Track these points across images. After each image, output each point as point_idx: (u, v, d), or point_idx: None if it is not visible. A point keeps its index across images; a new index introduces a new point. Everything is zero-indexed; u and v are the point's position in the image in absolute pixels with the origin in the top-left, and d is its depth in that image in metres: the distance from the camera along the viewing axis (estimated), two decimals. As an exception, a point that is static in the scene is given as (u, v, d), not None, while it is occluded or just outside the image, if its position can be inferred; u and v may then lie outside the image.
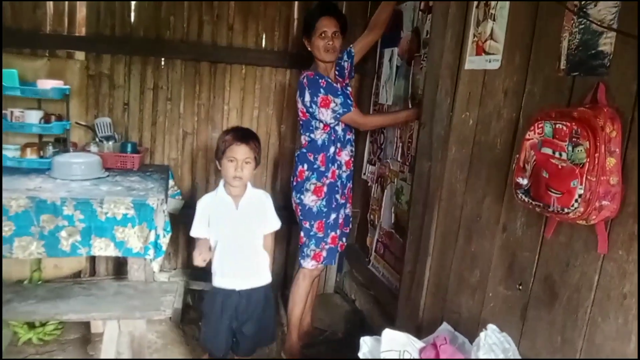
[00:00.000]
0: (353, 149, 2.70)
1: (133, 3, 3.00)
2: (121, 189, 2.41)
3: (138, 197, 2.31)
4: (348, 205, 2.77)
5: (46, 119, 2.71)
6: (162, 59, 3.12)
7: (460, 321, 1.83)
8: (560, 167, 1.21)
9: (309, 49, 2.58)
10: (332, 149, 2.57)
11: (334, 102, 2.45)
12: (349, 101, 2.52)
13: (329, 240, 2.62)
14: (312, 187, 2.56)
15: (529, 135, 1.32)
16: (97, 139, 2.88)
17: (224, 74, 3.23)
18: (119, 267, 3.18)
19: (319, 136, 2.54)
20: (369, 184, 3.28)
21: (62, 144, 2.79)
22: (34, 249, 2.23)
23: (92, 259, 3.15)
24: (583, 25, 1.34)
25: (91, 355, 2.65)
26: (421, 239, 2.13)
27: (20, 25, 2.89)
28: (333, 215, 2.61)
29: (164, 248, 2.37)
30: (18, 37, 2.89)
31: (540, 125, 1.29)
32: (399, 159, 2.81)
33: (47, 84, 2.67)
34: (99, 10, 2.96)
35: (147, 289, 2.38)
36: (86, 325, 2.80)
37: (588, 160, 1.14)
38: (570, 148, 1.19)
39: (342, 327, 3.14)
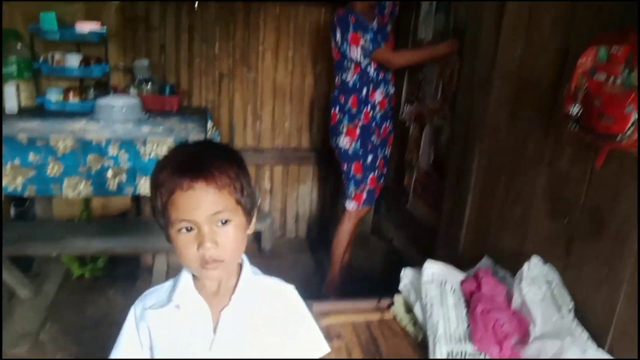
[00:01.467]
0: (389, 89, 2.65)
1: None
2: (162, 130, 2.46)
3: (179, 137, 2.35)
4: (388, 145, 2.75)
5: (85, 62, 2.75)
6: (196, 1, 3.08)
7: (502, 256, 1.83)
8: (614, 92, 1.16)
9: None
10: (364, 91, 2.54)
11: (364, 38, 2.42)
12: (379, 37, 2.46)
13: (368, 181, 2.63)
14: (345, 129, 2.57)
15: (581, 61, 1.26)
16: (136, 82, 2.91)
17: (258, 13, 3.18)
18: (163, 207, 3.27)
19: (350, 77, 2.52)
20: (406, 124, 3.23)
21: (103, 87, 2.83)
22: (82, 188, 2.32)
23: (137, 200, 3.25)
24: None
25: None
26: (462, 176, 2.11)
27: (56, -32, 2.88)
28: (370, 157, 2.62)
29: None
30: (55, -21, 2.89)
31: (593, 50, 1.23)
32: (438, 97, 2.75)
33: (85, 27, 2.68)
34: (133, -51, 2.93)
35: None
36: (135, 260, 2.93)
37: (645, 84, 1.09)
38: (625, 72, 1.14)
39: (379, 265, 3.19)
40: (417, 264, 1.72)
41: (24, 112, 2.63)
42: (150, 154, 2.30)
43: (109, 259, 2.88)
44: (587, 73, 1.25)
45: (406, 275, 1.63)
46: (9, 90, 2.62)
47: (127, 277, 2.90)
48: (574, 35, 1.50)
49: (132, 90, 2.86)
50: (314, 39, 3.31)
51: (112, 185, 2.32)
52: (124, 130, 2.40)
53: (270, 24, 3.22)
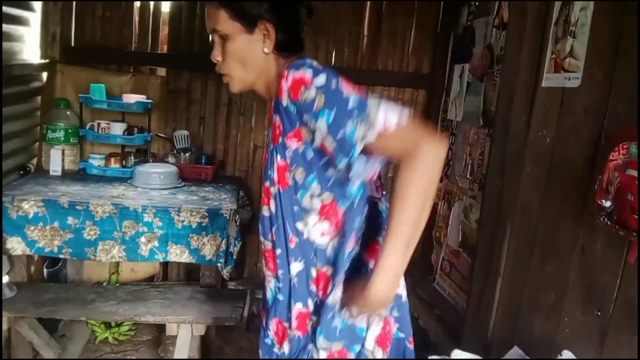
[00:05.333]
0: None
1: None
2: (197, 199, 2.52)
3: (212, 206, 2.41)
4: None
5: (129, 130, 2.88)
6: (237, 75, 3.24)
7: (532, 345, 1.77)
8: (647, 189, 1.17)
9: None
10: None
11: None
12: None
13: None
14: None
15: (612, 156, 1.28)
16: (174, 151, 3.03)
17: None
18: (190, 272, 3.31)
19: None
20: (434, 200, 3.24)
21: (143, 154, 2.95)
22: (116, 252, 2.37)
23: (165, 264, 3.29)
24: (673, 43, 1.29)
25: (162, 357, 2.77)
26: (492, 258, 2.09)
27: (108, 44, 3.10)
28: None
29: (235, 257, 2.45)
30: (106, 54, 3.10)
31: (625, 147, 1.25)
32: (468, 176, 2.78)
33: (131, 98, 2.84)
34: (180, 29, 3.13)
35: (218, 295, 2.47)
36: (159, 327, 2.93)
37: (679, 182, 1.10)
38: (658, 170, 1.15)
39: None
40: (445, 347, 1.68)
41: (67, 176, 2.75)
42: (183, 222, 2.36)
43: (134, 324, 2.89)
44: (619, 167, 1.27)
45: (434, 361, 1.59)
46: (55, 154, 2.76)
47: (150, 343, 2.90)
48: (607, 124, 1.53)
49: (171, 159, 2.97)
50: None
51: (145, 250, 2.37)
52: (160, 198, 2.47)
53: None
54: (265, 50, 1.22)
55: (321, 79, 1.09)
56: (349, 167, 1.11)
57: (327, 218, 1.20)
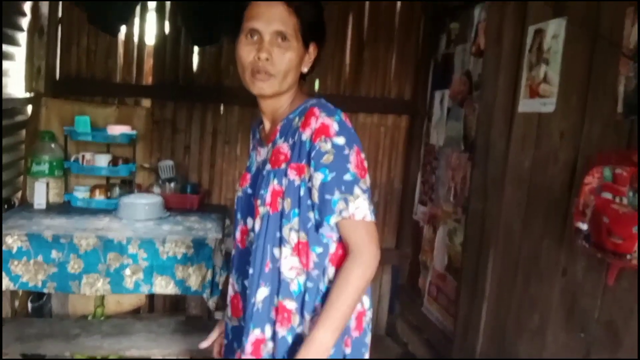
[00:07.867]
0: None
1: (196, 54, 3.19)
2: (182, 229, 2.52)
3: (198, 237, 2.40)
4: None
5: (114, 162, 2.88)
6: (222, 105, 3.27)
7: (519, 368, 1.79)
8: (621, 212, 1.20)
9: None
10: None
11: None
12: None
13: None
14: None
15: (587, 179, 1.32)
16: (160, 181, 3.03)
17: (278, 117, 3.35)
18: (176, 302, 3.27)
19: None
20: (420, 225, 3.27)
21: (128, 185, 2.94)
22: (100, 285, 2.34)
23: (151, 295, 3.26)
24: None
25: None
26: (477, 282, 2.11)
27: (93, 75, 3.12)
28: None
29: (220, 287, 2.44)
30: (91, 87, 3.12)
31: (599, 170, 1.29)
32: (451, 200, 2.81)
33: (116, 130, 2.85)
34: (164, 60, 3.16)
35: (204, 326, 2.44)
36: (145, 360, 2.88)
37: (650, 205, 1.14)
38: (631, 193, 1.19)
39: (395, 370, 3.09)
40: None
41: (51, 209, 2.73)
42: (168, 253, 2.35)
43: (119, 357, 2.84)
44: (594, 191, 1.30)
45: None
46: (40, 187, 2.75)
47: (136, 377, 2.85)
48: (583, 149, 1.57)
49: (156, 189, 2.97)
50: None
51: (129, 283, 2.35)
52: (145, 229, 2.47)
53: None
54: (304, 69, 1.27)
55: (341, 140, 1.16)
56: (320, 223, 1.17)
57: (298, 255, 1.22)
